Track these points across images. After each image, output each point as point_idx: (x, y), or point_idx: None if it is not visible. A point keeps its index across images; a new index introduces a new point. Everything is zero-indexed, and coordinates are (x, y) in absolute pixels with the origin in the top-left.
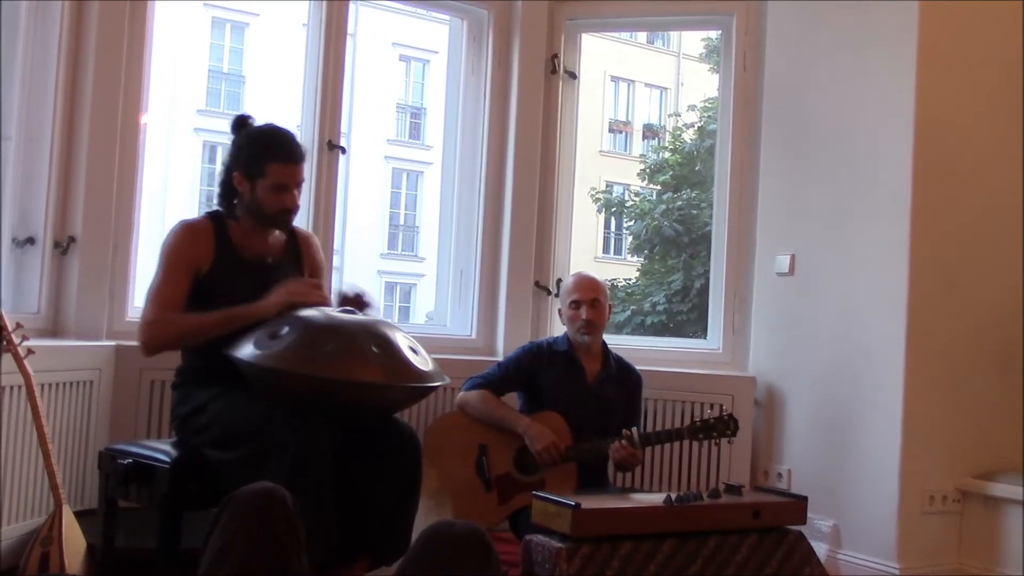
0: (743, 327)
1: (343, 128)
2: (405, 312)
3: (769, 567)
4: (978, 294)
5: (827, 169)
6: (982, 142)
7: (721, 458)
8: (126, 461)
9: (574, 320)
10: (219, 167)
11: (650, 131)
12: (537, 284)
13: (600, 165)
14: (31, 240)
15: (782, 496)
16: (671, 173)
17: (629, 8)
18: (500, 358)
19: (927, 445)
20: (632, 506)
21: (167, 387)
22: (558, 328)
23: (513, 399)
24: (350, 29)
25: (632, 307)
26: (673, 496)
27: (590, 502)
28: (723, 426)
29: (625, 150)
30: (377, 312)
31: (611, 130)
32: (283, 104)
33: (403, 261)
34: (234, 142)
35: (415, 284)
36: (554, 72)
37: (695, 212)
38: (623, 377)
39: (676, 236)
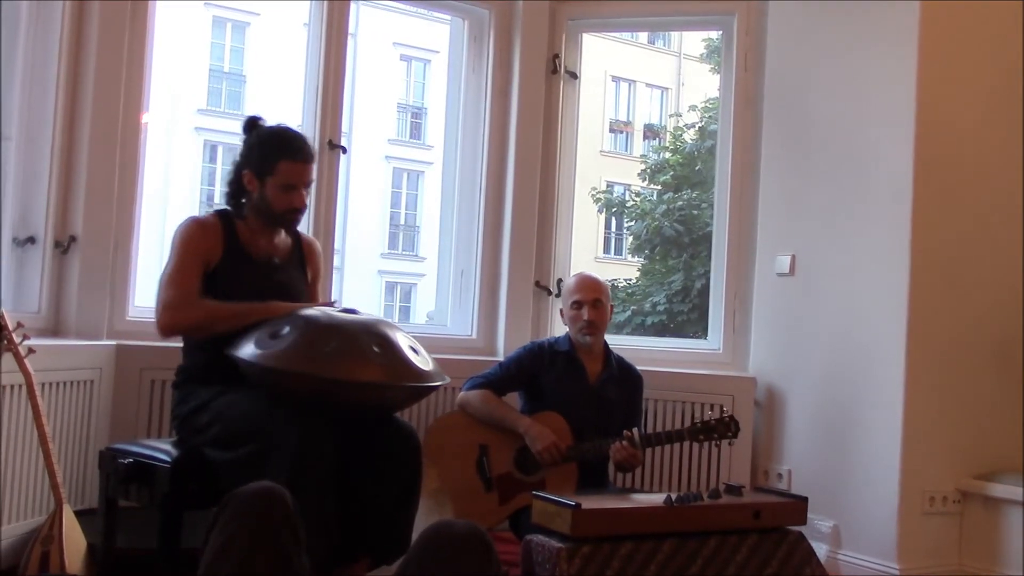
0: (743, 327)
1: (344, 128)
2: (405, 312)
3: (769, 567)
4: (978, 294)
5: (828, 169)
6: (983, 142)
7: (721, 458)
8: (126, 460)
9: (576, 320)
10: (221, 167)
11: (651, 131)
12: (537, 284)
13: (601, 165)
14: (32, 239)
15: (782, 496)
16: (672, 173)
17: (630, 8)
18: (500, 358)
19: (927, 445)
20: (632, 506)
21: (167, 386)
22: (558, 328)
23: (514, 399)
24: (351, 29)
25: (632, 307)
26: (673, 496)
27: (590, 502)
28: (724, 428)
29: (626, 150)
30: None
31: (612, 130)
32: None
33: (403, 261)
34: (245, 141)
35: (415, 284)
36: (555, 72)
37: (696, 212)
38: (624, 377)
39: (677, 236)
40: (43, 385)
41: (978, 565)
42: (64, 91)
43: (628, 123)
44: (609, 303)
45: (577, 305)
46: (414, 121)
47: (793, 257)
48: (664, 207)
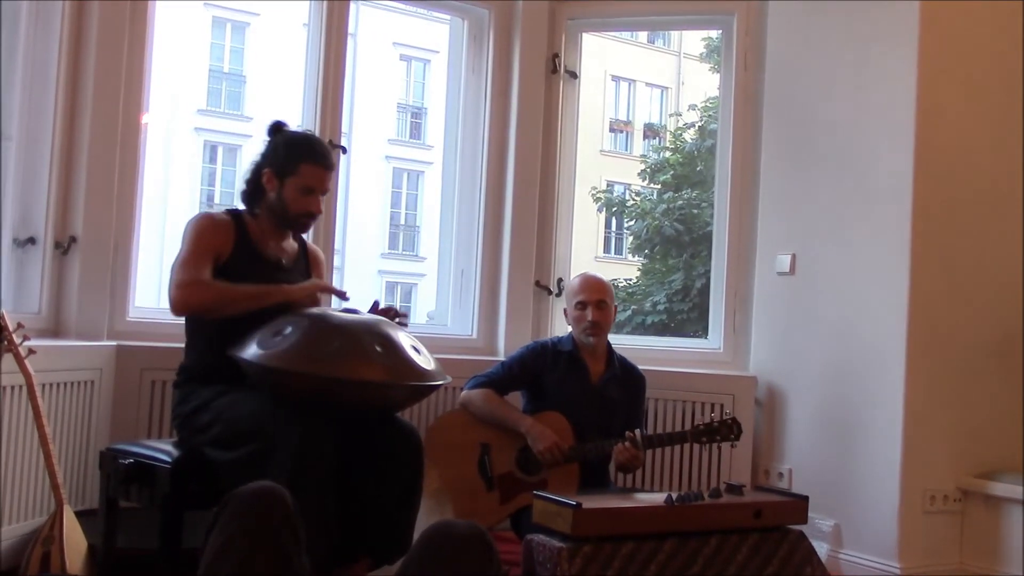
0: (744, 326)
1: (344, 128)
2: (406, 312)
3: (770, 567)
4: (979, 293)
5: (828, 168)
6: (983, 142)
7: (722, 458)
8: (127, 461)
9: (580, 321)
10: (221, 167)
11: (651, 131)
12: (538, 284)
13: (601, 164)
14: (32, 240)
15: (783, 496)
16: (672, 173)
17: (630, 8)
18: (501, 358)
19: (928, 444)
20: (633, 506)
21: (168, 387)
22: (559, 328)
23: (516, 399)
24: (351, 29)
25: (633, 307)
26: (674, 496)
27: (591, 502)
28: (727, 430)
29: (626, 150)
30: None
31: (612, 129)
32: (284, 104)
33: (404, 261)
34: (269, 142)
35: (416, 284)
36: (555, 72)
37: (696, 212)
38: (627, 378)
39: (677, 236)
40: (43, 386)
41: (979, 564)
42: (64, 91)
43: (628, 122)
44: (613, 304)
45: (581, 305)
46: (414, 121)
47: (793, 256)
48: (664, 206)
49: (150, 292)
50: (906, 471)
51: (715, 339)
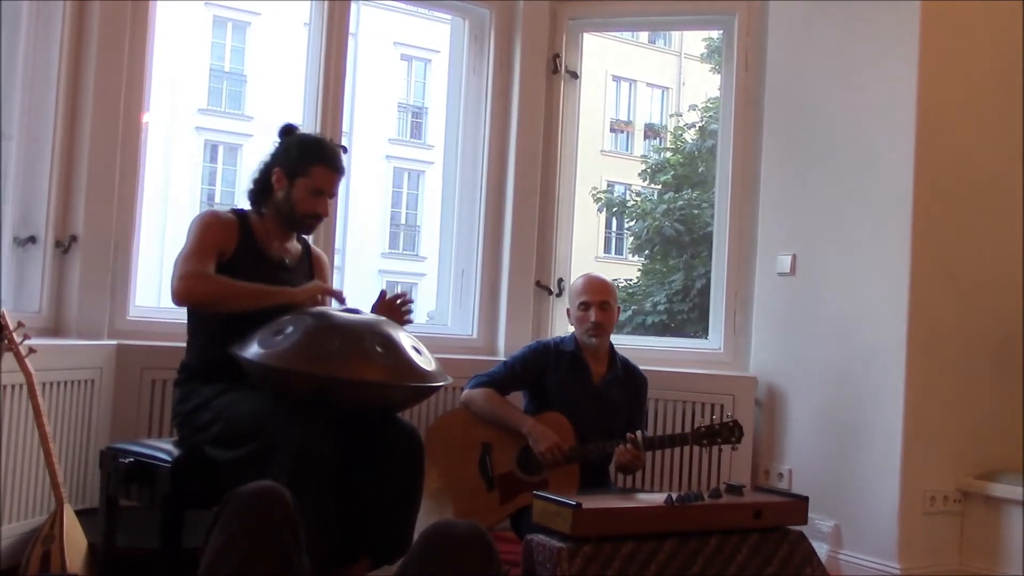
0: (744, 327)
1: (344, 127)
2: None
3: (770, 567)
4: (979, 294)
5: (828, 169)
6: (983, 142)
7: (722, 458)
8: (127, 460)
9: (583, 322)
10: (221, 167)
11: (651, 131)
12: (538, 284)
13: (601, 165)
14: (32, 239)
15: (783, 496)
16: (672, 173)
17: (631, 8)
18: (501, 358)
19: (928, 445)
20: (633, 506)
21: (168, 386)
22: (559, 328)
23: (518, 399)
24: (352, 28)
25: (633, 307)
26: (674, 496)
27: (591, 502)
28: (728, 432)
29: (626, 150)
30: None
31: (612, 130)
32: (285, 103)
33: (404, 260)
34: (280, 143)
35: (416, 283)
36: (556, 71)
37: (696, 212)
38: (629, 379)
39: (677, 236)
40: (44, 385)
41: (979, 565)
42: (65, 91)
43: (629, 123)
44: (616, 305)
45: (584, 306)
46: (415, 121)
47: (794, 256)
48: (665, 207)
49: (150, 291)
50: (906, 472)
51: (715, 339)
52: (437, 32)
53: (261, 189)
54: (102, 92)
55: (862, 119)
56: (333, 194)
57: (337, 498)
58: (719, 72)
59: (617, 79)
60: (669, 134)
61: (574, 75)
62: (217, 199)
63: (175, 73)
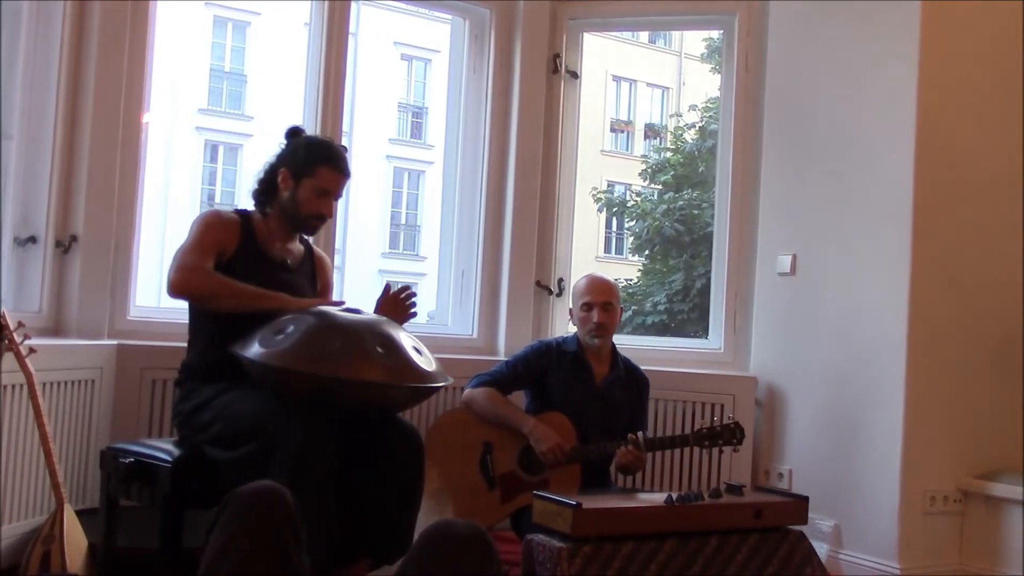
0: (744, 327)
1: (345, 127)
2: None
3: (770, 567)
4: (979, 294)
5: (829, 169)
6: (983, 142)
7: (722, 458)
8: (127, 460)
9: (585, 322)
10: (222, 167)
11: (651, 131)
12: (538, 284)
13: (601, 165)
14: (33, 239)
15: (783, 496)
16: (672, 173)
17: (631, 8)
18: (501, 358)
19: (928, 445)
20: (633, 506)
21: (168, 386)
22: (559, 328)
23: (519, 398)
24: (352, 28)
25: (633, 307)
26: (674, 496)
27: (591, 502)
28: (729, 434)
29: (627, 150)
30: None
31: (613, 130)
32: (285, 103)
33: (404, 260)
34: (287, 144)
35: (416, 283)
36: (556, 71)
37: (696, 212)
38: (631, 380)
39: (677, 236)
40: (44, 385)
41: (979, 565)
42: (65, 91)
43: (629, 123)
44: (619, 306)
45: (587, 307)
46: (415, 120)
47: (794, 256)
48: (665, 207)
49: (151, 291)
50: (906, 471)
51: (715, 339)
52: (437, 32)
53: (266, 189)
54: (102, 92)
55: (862, 119)
56: (338, 196)
57: (337, 498)
58: (719, 72)
59: (617, 79)
60: (669, 134)
61: (574, 75)
62: (217, 199)
63: (175, 73)
